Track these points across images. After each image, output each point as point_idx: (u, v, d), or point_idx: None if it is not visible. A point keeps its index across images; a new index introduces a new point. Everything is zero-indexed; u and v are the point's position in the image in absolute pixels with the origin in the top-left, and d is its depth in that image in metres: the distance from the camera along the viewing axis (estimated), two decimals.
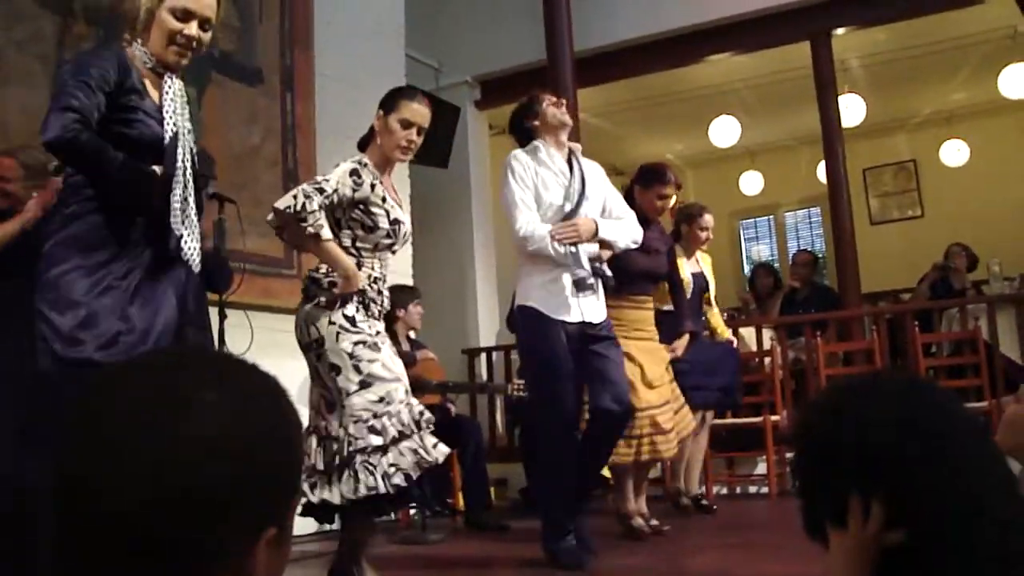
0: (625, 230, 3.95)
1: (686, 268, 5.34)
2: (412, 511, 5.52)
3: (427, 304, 5.88)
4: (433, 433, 3.21)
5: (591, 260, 3.79)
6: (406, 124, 3.34)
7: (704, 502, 5.49)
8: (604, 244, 3.86)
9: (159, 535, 0.77)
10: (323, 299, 3.19)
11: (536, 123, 3.97)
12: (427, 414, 3.21)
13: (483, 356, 7.96)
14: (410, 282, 6.33)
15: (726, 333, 5.77)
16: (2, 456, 2.69)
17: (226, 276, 3.60)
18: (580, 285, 3.73)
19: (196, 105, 5.24)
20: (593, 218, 3.82)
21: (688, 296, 5.24)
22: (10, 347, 3.11)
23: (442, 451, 3.18)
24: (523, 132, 4.02)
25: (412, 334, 5.76)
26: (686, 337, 5.01)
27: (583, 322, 3.77)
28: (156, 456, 0.78)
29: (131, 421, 0.80)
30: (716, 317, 5.76)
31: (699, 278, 5.45)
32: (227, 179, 5.07)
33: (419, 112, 3.38)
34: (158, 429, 0.79)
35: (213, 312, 3.13)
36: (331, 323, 3.14)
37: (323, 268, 3.23)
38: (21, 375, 2.79)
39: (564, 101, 4.07)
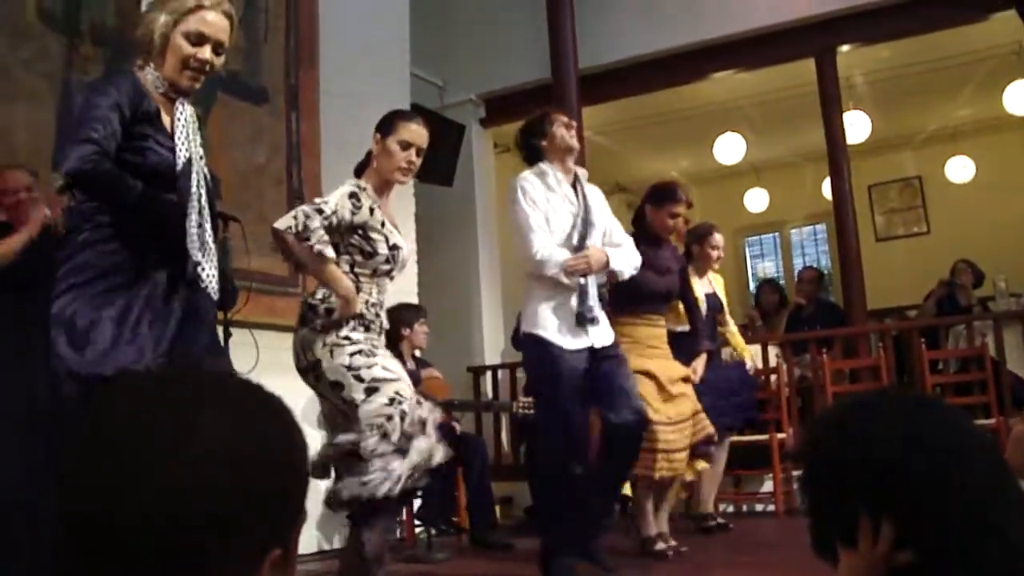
0: (627, 258, 3.94)
1: (699, 288, 5.35)
2: (418, 529, 5.51)
3: (432, 322, 5.88)
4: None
5: (598, 286, 3.80)
6: (405, 145, 3.33)
7: (720, 520, 5.47)
8: (611, 274, 3.87)
9: (160, 544, 0.76)
10: (319, 323, 3.18)
11: (544, 143, 3.92)
12: (436, 414, 3.21)
13: (488, 374, 7.94)
14: (415, 300, 6.33)
15: (747, 352, 5.74)
16: (4, 467, 2.69)
17: (231, 294, 3.61)
18: (581, 319, 3.72)
19: (202, 124, 5.26)
20: (603, 249, 3.81)
21: (702, 316, 5.26)
22: (12, 348, 3.11)
23: (446, 453, 3.19)
24: (530, 149, 3.97)
25: (417, 352, 5.76)
26: (704, 356, 4.98)
27: (591, 348, 3.76)
28: (157, 466, 0.78)
29: (132, 432, 0.80)
30: (735, 336, 5.75)
31: (712, 298, 5.45)
32: (232, 198, 5.09)
33: (418, 133, 3.36)
34: (159, 439, 0.79)
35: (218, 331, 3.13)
36: (325, 345, 3.14)
37: (320, 294, 3.22)
38: (24, 386, 2.79)
39: (574, 124, 4.04)
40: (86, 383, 2.39)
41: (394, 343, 5.53)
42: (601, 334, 3.81)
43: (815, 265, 10.60)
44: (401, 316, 5.56)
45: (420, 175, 7.17)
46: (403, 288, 6.24)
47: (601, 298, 3.83)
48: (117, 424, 0.81)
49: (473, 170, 8.43)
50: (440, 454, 3.17)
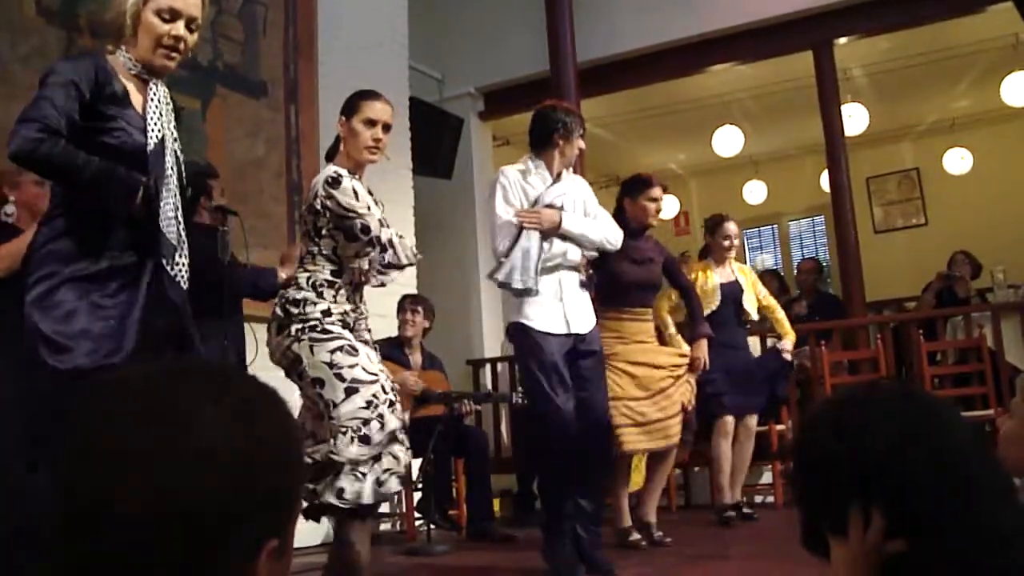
0: (599, 227, 3.94)
1: (715, 278, 5.44)
2: (418, 522, 5.52)
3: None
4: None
5: (579, 268, 3.84)
6: (370, 123, 3.31)
7: (746, 510, 5.46)
8: (571, 238, 3.84)
9: (160, 541, 0.77)
10: (292, 323, 3.18)
11: (561, 142, 3.90)
12: (405, 421, 3.22)
13: (488, 367, 7.95)
14: (414, 292, 6.35)
15: (789, 335, 5.73)
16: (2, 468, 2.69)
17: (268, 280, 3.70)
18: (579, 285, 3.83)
19: (200, 117, 5.27)
20: (558, 210, 3.80)
21: (717, 305, 5.35)
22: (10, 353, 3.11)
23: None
24: (543, 134, 3.95)
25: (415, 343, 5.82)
26: (704, 341, 4.92)
27: (571, 334, 3.78)
28: (156, 464, 0.78)
29: (130, 430, 0.80)
30: (780, 323, 5.74)
31: (732, 287, 5.48)
32: (231, 191, 5.08)
33: (381, 109, 3.35)
34: (157, 437, 0.79)
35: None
36: (301, 341, 3.13)
37: (293, 294, 3.22)
38: (17, 385, 2.79)
39: (584, 147, 4.05)
40: (59, 372, 2.38)
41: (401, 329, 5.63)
42: (581, 319, 3.83)
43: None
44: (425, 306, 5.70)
45: (419, 168, 7.23)
46: (402, 280, 6.24)
47: (583, 284, 3.87)
48: (115, 422, 0.81)
49: (472, 163, 8.43)
50: (403, 464, 3.17)
